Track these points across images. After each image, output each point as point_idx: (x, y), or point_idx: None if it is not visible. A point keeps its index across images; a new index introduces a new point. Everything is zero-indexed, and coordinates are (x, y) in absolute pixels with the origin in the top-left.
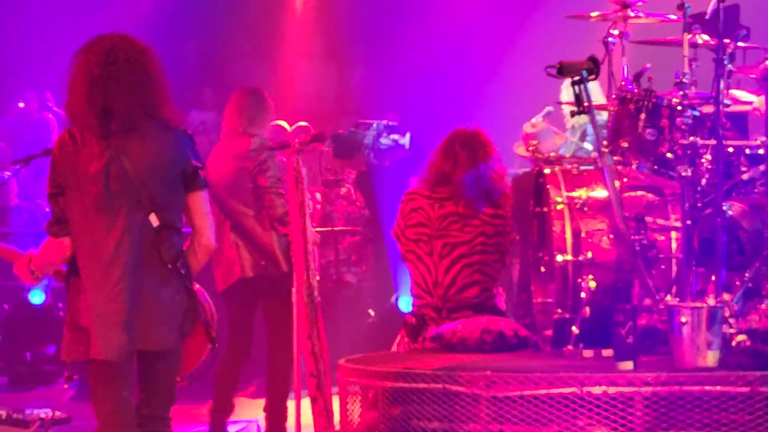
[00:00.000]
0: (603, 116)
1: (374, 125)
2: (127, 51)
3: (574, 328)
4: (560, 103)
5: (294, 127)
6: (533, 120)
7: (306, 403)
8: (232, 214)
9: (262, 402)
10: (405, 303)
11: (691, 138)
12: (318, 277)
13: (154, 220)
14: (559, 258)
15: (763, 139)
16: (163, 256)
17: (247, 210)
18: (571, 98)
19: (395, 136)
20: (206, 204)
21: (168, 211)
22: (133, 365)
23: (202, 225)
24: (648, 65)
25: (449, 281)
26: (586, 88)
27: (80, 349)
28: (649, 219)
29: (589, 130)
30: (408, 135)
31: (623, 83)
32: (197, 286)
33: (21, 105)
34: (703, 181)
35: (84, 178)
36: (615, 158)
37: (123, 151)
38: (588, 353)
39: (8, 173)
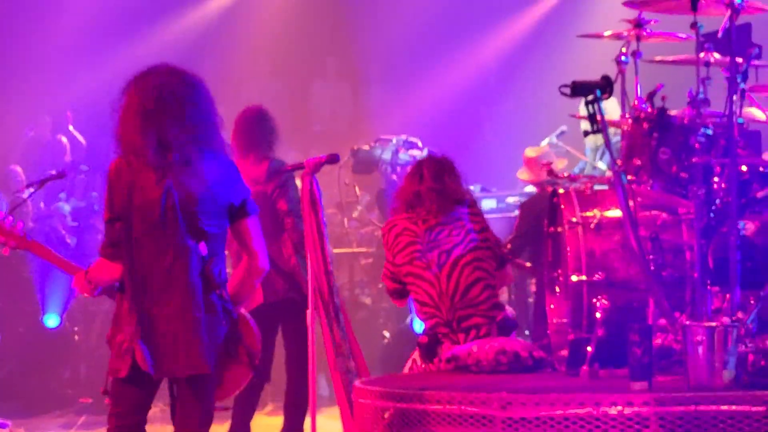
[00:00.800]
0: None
1: (393, 140)
2: (178, 86)
3: (589, 348)
4: (577, 117)
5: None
6: (543, 142)
7: (321, 422)
8: None
9: (277, 421)
10: (419, 324)
11: (705, 157)
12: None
13: (203, 248)
14: (574, 278)
15: None
16: (211, 283)
17: (268, 235)
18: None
19: (414, 152)
20: (258, 228)
21: (216, 240)
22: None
23: (256, 248)
24: (661, 84)
25: (453, 287)
26: (599, 107)
27: (120, 365)
28: (663, 238)
29: None
30: (426, 150)
31: (636, 102)
32: (245, 312)
33: (31, 134)
34: (717, 200)
35: (141, 206)
36: (629, 177)
37: (178, 182)
38: (603, 373)
39: (24, 196)
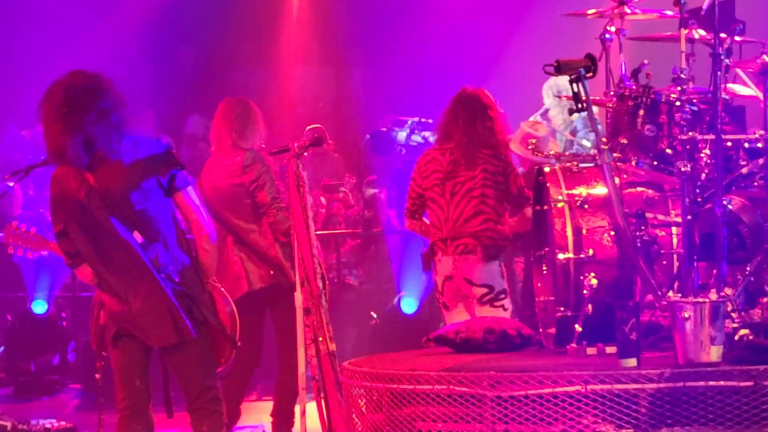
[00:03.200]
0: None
1: (408, 122)
2: (85, 82)
3: (577, 326)
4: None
5: (308, 128)
6: (532, 118)
7: (311, 408)
8: (234, 229)
9: (265, 406)
10: (407, 304)
11: (690, 133)
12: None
13: (138, 237)
14: (561, 256)
15: (762, 132)
16: (153, 267)
17: (248, 225)
18: (553, 102)
19: (426, 133)
20: (192, 199)
21: (151, 225)
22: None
23: (193, 219)
24: (645, 61)
25: (457, 215)
26: (584, 85)
27: (100, 341)
28: (649, 215)
29: (579, 126)
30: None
31: (621, 80)
32: (218, 287)
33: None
34: (703, 176)
35: (74, 211)
36: (614, 155)
37: (97, 180)
38: (591, 351)
39: (11, 183)
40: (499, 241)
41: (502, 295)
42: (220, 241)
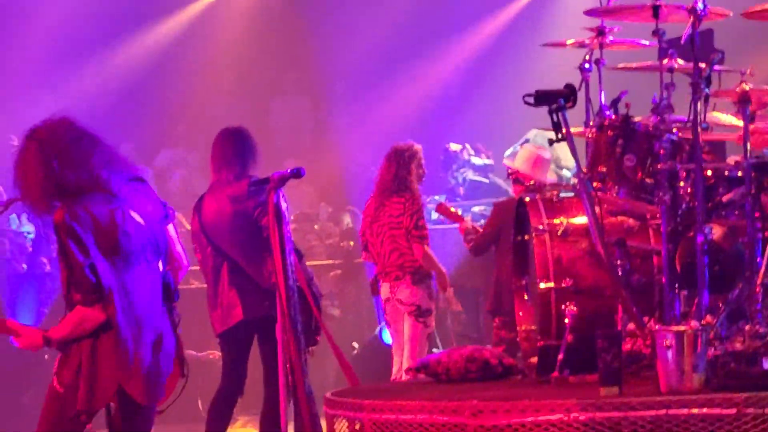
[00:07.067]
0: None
1: None
2: (71, 132)
3: (558, 354)
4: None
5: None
6: (507, 152)
7: None
8: (233, 257)
9: None
10: (388, 334)
11: (670, 162)
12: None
13: (160, 265)
14: (542, 285)
15: (741, 160)
16: (170, 298)
17: (248, 253)
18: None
19: None
20: (173, 235)
21: (165, 255)
22: None
23: (176, 252)
24: (625, 91)
25: (384, 251)
26: (564, 115)
27: (102, 397)
28: (630, 244)
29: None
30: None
31: (601, 110)
32: None
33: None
34: (683, 205)
35: (108, 238)
36: (594, 184)
37: (128, 204)
38: (573, 379)
39: None
40: (420, 269)
41: (428, 314)
42: (215, 269)
